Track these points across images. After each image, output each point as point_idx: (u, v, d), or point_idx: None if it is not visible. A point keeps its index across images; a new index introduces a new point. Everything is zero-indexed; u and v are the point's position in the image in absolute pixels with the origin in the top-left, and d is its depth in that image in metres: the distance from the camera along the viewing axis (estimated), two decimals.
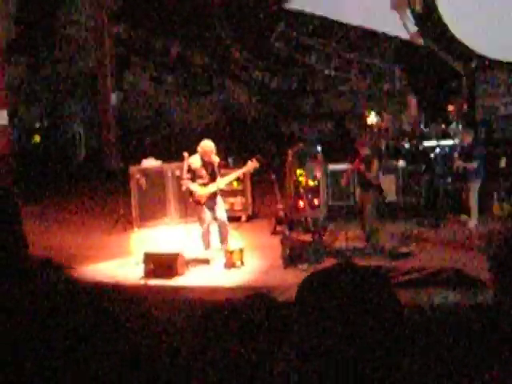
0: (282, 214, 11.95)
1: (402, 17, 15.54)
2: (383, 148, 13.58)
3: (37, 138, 19.25)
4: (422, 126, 14.31)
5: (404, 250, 10.30)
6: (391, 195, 12.47)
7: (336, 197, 12.90)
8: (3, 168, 14.73)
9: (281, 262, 10.05)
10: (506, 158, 12.66)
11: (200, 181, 10.23)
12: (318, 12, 16.49)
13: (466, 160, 11.71)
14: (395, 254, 10.14)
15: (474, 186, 11.71)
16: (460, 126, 13.87)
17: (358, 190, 11.27)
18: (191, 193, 10.26)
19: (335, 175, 12.68)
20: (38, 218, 13.66)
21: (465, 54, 15.07)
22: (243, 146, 15.58)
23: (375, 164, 10.56)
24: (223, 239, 10.40)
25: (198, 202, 10.24)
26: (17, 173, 15.83)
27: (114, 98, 18.54)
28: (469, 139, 11.89)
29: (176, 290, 9.08)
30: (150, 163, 13.19)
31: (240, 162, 11.86)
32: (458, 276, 8.74)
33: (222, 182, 10.45)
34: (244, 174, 11.67)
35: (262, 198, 13.69)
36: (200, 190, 10.20)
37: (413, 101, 13.99)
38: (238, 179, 12.14)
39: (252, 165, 10.53)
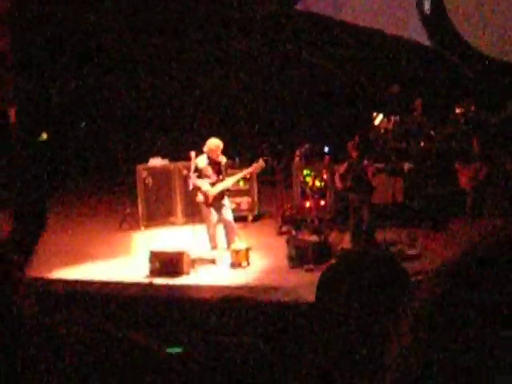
0: (288, 214, 11.90)
1: (408, 17, 15.48)
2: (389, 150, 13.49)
3: (44, 136, 19.14)
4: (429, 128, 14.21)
5: (412, 252, 10.25)
6: (398, 197, 12.39)
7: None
8: None
9: (286, 262, 10.02)
10: None
11: (207, 180, 10.18)
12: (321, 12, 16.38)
13: None
14: (403, 255, 10.09)
15: None
16: None
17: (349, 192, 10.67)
18: (199, 189, 10.20)
19: None
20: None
21: (472, 55, 15.01)
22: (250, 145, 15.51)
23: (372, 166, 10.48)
24: (229, 239, 10.36)
25: (205, 200, 10.17)
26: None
27: None
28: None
29: (181, 288, 9.05)
30: (156, 162, 13.15)
31: (246, 162, 11.84)
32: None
33: (229, 181, 10.41)
34: (250, 174, 11.65)
35: (268, 198, 13.64)
36: (208, 188, 10.15)
37: (419, 102, 13.88)
38: (244, 179, 12.11)
39: (258, 165, 10.52)
